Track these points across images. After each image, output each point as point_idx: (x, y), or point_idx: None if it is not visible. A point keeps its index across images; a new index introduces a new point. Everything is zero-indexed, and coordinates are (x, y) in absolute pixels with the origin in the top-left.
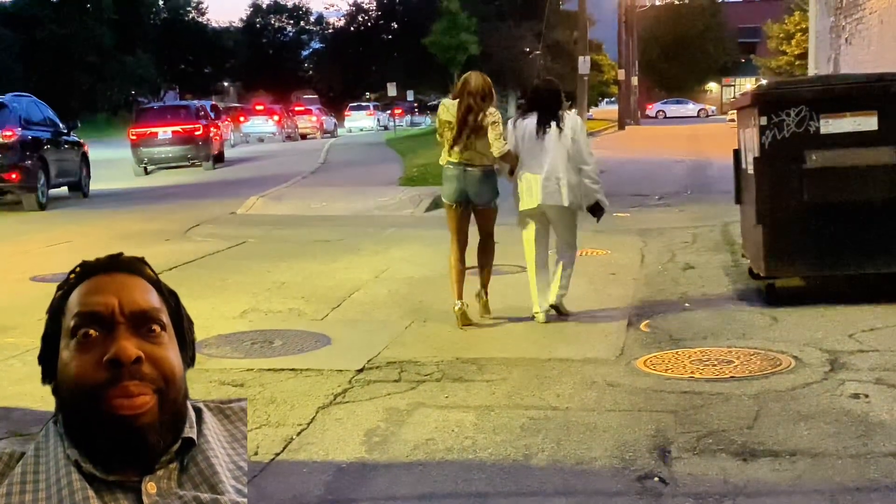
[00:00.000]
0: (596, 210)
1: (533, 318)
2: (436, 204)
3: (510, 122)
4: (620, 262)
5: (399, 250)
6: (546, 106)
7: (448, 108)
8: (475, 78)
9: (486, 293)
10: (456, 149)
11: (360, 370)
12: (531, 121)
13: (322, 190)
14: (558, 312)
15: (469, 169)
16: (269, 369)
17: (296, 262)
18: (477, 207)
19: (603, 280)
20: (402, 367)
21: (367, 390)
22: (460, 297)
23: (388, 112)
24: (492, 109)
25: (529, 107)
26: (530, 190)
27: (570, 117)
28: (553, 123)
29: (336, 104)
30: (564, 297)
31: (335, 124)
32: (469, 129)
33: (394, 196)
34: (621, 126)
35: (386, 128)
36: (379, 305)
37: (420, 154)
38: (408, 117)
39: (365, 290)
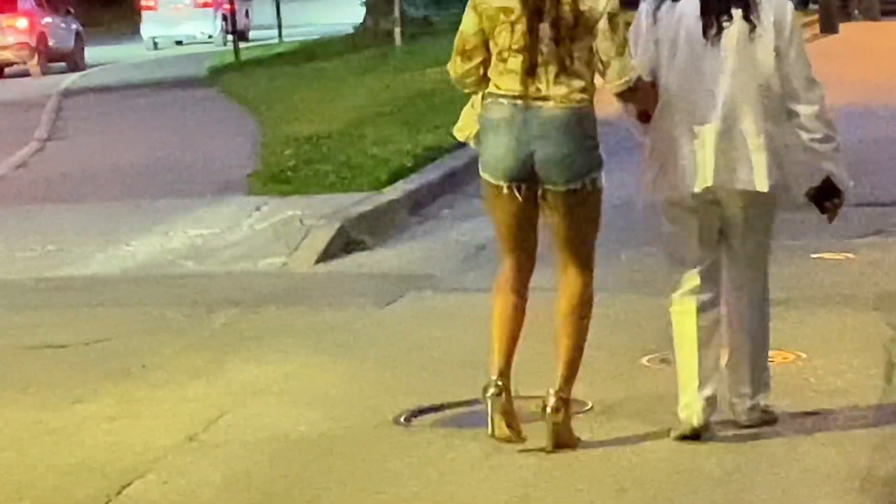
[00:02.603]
0: (825, 195)
1: (681, 434)
2: (347, 238)
3: (642, 11)
4: (831, 385)
5: (252, 366)
6: None
7: None
8: None
9: (568, 401)
10: (516, 66)
11: None
12: (688, 5)
13: (47, 212)
14: (759, 418)
15: (542, 109)
16: None
17: None
18: (557, 190)
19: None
20: None
21: None
22: (504, 370)
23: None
24: None
25: None
26: (688, 157)
27: (772, 0)
28: (736, 12)
29: None
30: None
31: (80, 35)
32: (551, 24)
33: (235, 222)
34: (828, 27)
35: (240, 35)
36: None
37: (304, 109)
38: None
39: (161, 475)
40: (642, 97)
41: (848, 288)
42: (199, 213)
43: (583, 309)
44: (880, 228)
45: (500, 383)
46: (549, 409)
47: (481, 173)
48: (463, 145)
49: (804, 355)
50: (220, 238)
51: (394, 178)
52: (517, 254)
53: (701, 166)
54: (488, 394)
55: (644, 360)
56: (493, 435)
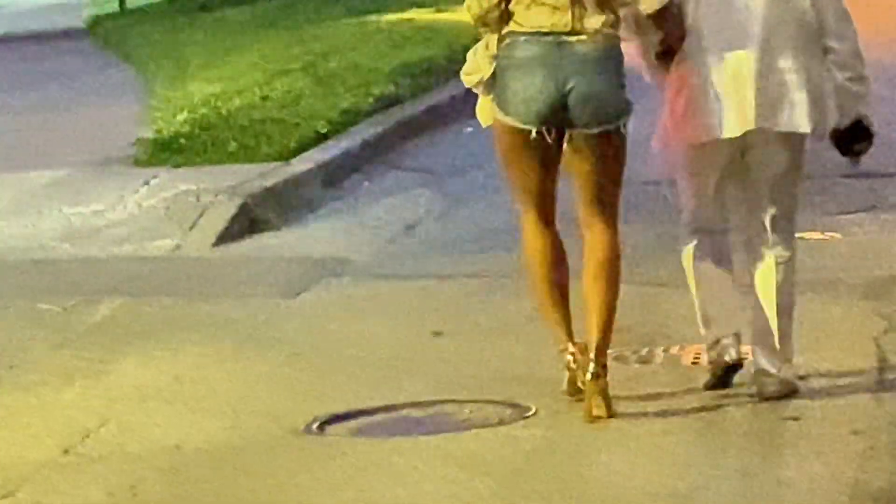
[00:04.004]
0: (855, 136)
1: (714, 375)
2: (250, 217)
3: None
4: (813, 385)
5: (139, 366)
6: None
7: None
8: None
9: (603, 368)
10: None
11: None
12: None
13: None
14: (785, 389)
15: (577, 45)
16: None
17: None
18: (590, 133)
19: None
20: None
21: None
22: (571, 335)
23: None
24: None
25: None
26: (724, 98)
27: None
28: None
29: None
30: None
31: None
32: None
33: (120, 198)
34: None
35: None
36: None
37: (200, 67)
38: None
39: (33, 494)
40: (672, 27)
41: (833, 273)
42: (76, 187)
43: (614, 266)
44: (870, 204)
45: (572, 350)
46: (589, 377)
47: (501, 118)
48: (386, 107)
49: None
50: (102, 217)
51: (305, 146)
52: (542, 205)
53: (739, 108)
54: (569, 360)
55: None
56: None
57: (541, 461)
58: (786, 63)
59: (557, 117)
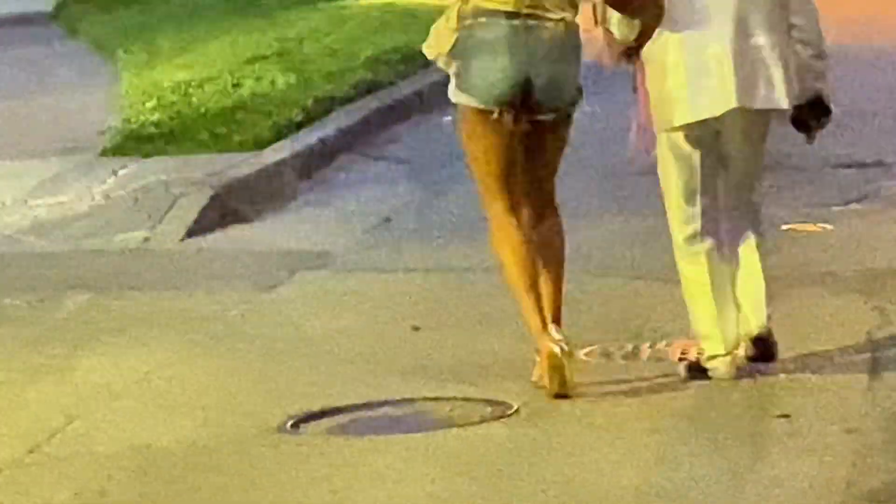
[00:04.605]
0: (812, 113)
1: (698, 367)
2: (222, 208)
3: None
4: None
5: (108, 363)
6: None
7: None
8: None
9: (561, 339)
10: None
11: None
12: None
13: None
14: (763, 350)
15: (543, 28)
16: None
17: None
18: (547, 118)
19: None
20: None
21: None
22: (544, 323)
23: None
24: None
25: None
26: (703, 76)
27: None
28: None
29: None
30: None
31: None
32: None
33: (87, 189)
34: None
35: None
36: None
37: (170, 52)
38: None
39: None
40: (651, 15)
41: (825, 265)
42: (41, 178)
43: (562, 241)
44: (863, 194)
45: (558, 340)
46: (561, 352)
47: (463, 99)
48: (363, 95)
49: None
50: (68, 209)
51: (279, 135)
52: (509, 188)
53: (720, 87)
54: (554, 348)
55: (582, 354)
56: (549, 393)
57: (524, 460)
58: (761, 41)
59: (520, 100)
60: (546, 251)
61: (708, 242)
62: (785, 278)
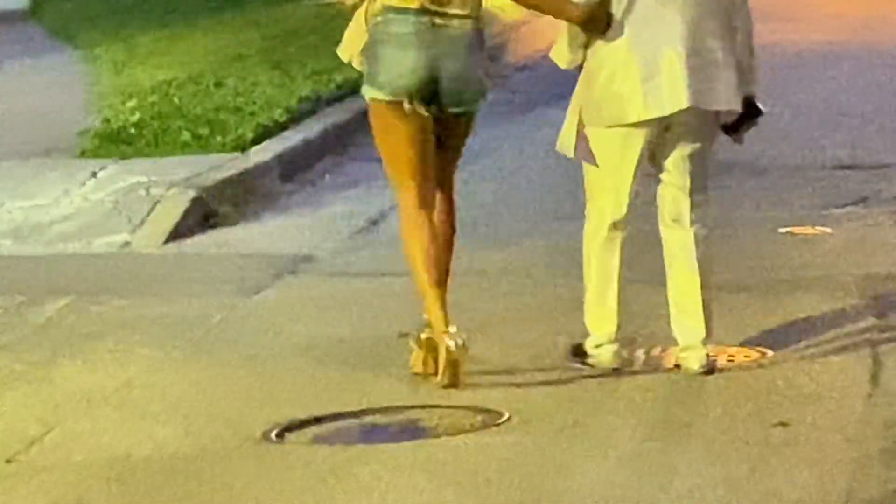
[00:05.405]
0: (743, 114)
1: (581, 354)
2: (204, 211)
3: None
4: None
5: (86, 370)
6: None
7: None
8: None
9: (456, 333)
10: None
11: None
12: None
13: None
14: (710, 365)
15: (449, 27)
16: None
17: None
18: (454, 111)
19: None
20: None
21: None
22: (445, 320)
23: None
24: None
25: None
26: (656, 76)
27: None
28: None
29: None
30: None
31: None
32: None
33: (65, 191)
34: None
35: None
36: None
37: (150, 51)
38: None
39: None
40: (589, 16)
41: (824, 269)
42: (18, 180)
43: (453, 235)
44: (862, 196)
45: (454, 336)
46: (458, 345)
47: (374, 93)
48: (350, 95)
49: (770, 353)
50: (46, 212)
51: (262, 136)
52: (420, 179)
53: (672, 87)
54: (449, 344)
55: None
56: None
57: (514, 470)
58: (714, 42)
59: (428, 94)
60: (447, 238)
61: (624, 233)
62: (783, 282)
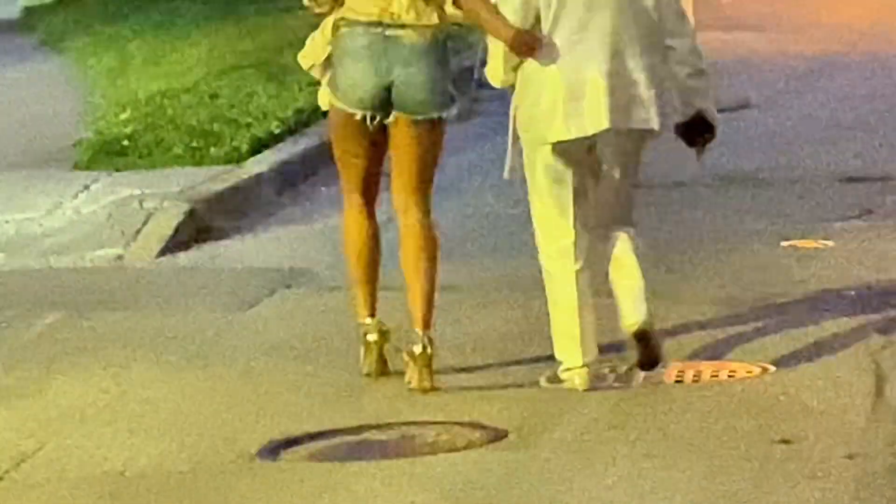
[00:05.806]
0: (697, 130)
1: (555, 379)
2: (198, 224)
3: None
4: (806, 404)
5: (79, 385)
6: None
7: None
8: None
9: (430, 340)
10: None
11: None
12: None
13: None
14: (645, 348)
15: (402, 37)
16: None
17: None
18: (412, 119)
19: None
20: None
21: None
22: (373, 311)
23: None
24: None
25: None
26: (577, 97)
27: None
28: None
29: None
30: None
31: None
32: None
33: (57, 204)
34: None
35: None
36: None
37: (145, 62)
38: None
39: None
40: (522, 42)
41: (826, 283)
42: (10, 192)
43: (432, 249)
44: (866, 209)
45: (370, 322)
46: (420, 349)
47: (332, 101)
48: None
49: (772, 368)
50: (38, 224)
51: (257, 147)
52: (365, 189)
53: (594, 108)
54: (367, 335)
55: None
56: (368, 373)
57: (513, 487)
58: (634, 63)
59: (382, 104)
60: (415, 251)
61: (580, 259)
62: (785, 296)
